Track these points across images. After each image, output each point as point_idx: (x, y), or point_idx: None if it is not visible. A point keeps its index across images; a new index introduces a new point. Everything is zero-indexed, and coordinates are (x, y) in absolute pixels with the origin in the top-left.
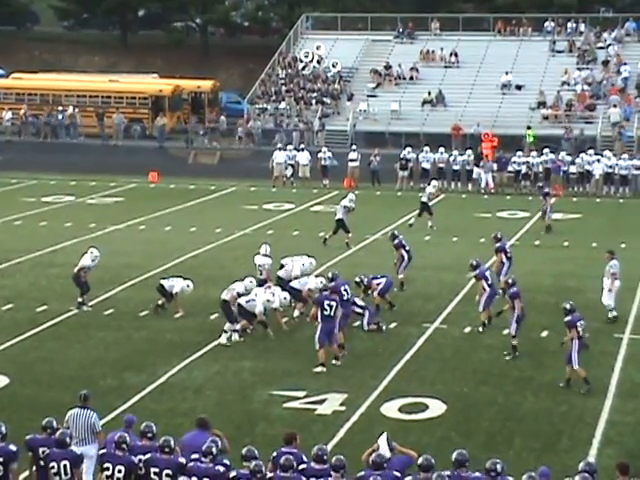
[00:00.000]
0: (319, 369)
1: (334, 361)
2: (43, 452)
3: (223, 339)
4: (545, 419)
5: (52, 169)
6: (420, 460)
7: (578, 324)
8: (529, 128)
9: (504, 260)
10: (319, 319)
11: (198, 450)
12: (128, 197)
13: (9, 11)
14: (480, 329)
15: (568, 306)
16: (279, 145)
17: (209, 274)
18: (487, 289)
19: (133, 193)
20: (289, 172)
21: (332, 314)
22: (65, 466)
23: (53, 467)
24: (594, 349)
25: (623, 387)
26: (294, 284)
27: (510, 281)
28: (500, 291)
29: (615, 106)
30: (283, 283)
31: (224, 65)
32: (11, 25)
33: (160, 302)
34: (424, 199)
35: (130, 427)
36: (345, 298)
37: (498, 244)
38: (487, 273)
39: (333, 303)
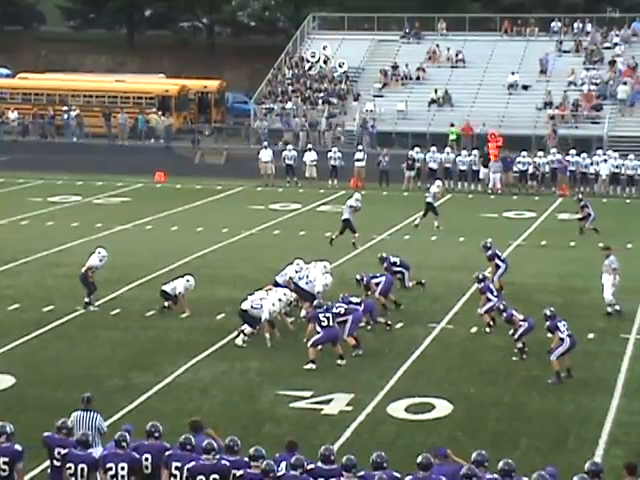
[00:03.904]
0: (309, 366)
1: (339, 361)
2: (58, 453)
3: (239, 340)
4: (552, 419)
5: (59, 169)
6: (419, 459)
7: (559, 325)
8: (452, 125)
9: (499, 264)
10: (319, 330)
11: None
12: (135, 197)
13: (15, 11)
14: (487, 329)
15: (548, 312)
16: (264, 144)
17: (216, 274)
18: (493, 299)
19: (140, 193)
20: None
21: (330, 324)
22: (82, 469)
23: (70, 468)
24: (600, 349)
25: (630, 387)
26: (301, 284)
27: (502, 307)
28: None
29: (625, 84)
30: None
31: (230, 65)
32: (17, 25)
33: (166, 304)
34: (429, 199)
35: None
36: (325, 324)
37: (489, 252)
38: (491, 285)
39: (328, 314)
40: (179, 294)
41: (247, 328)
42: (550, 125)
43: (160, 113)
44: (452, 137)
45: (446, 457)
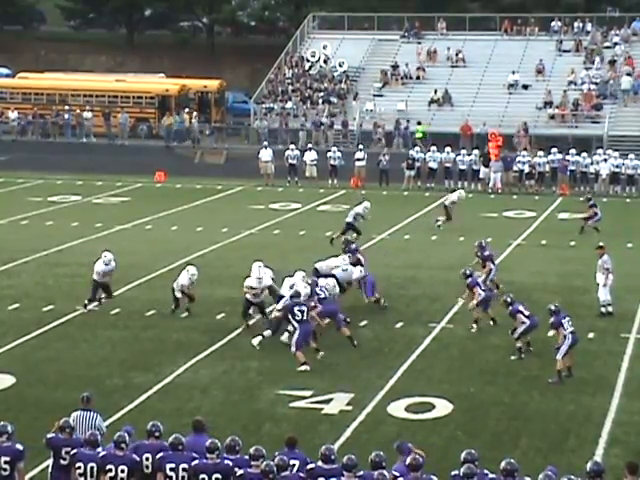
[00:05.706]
0: (303, 368)
1: (318, 356)
2: (66, 452)
3: (255, 341)
4: (552, 419)
5: (58, 169)
6: (408, 460)
7: (564, 321)
8: (419, 124)
9: (491, 266)
10: (295, 325)
11: (200, 452)
12: (134, 197)
13: (15, 11)
14: (473, 326)
15: (553, 307)
16: (264, 143)
17: (215, 274)
18: (482, 294)
19: (139, 193)
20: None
21: (304, 318)
22: (92, 468)
23: (79, 467)
24: (601, 348)
25: (630, 386)
26: (337, 272)
27: (509, 300)
28: (495, 290)
29: (629, 75)
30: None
31: (230, 65)
32: (17, 25)
33: (173, 307)
34: (447, 203)
35: (129, 437)
36: (323, 297)
37: (486, 253)
38: (479, 280)
39: (303, 308)
40: (182, 286)
41: (267, 332)
42: (521, 124)
43: (195, 114)
44: (418, 135)
45: (410, 452)
